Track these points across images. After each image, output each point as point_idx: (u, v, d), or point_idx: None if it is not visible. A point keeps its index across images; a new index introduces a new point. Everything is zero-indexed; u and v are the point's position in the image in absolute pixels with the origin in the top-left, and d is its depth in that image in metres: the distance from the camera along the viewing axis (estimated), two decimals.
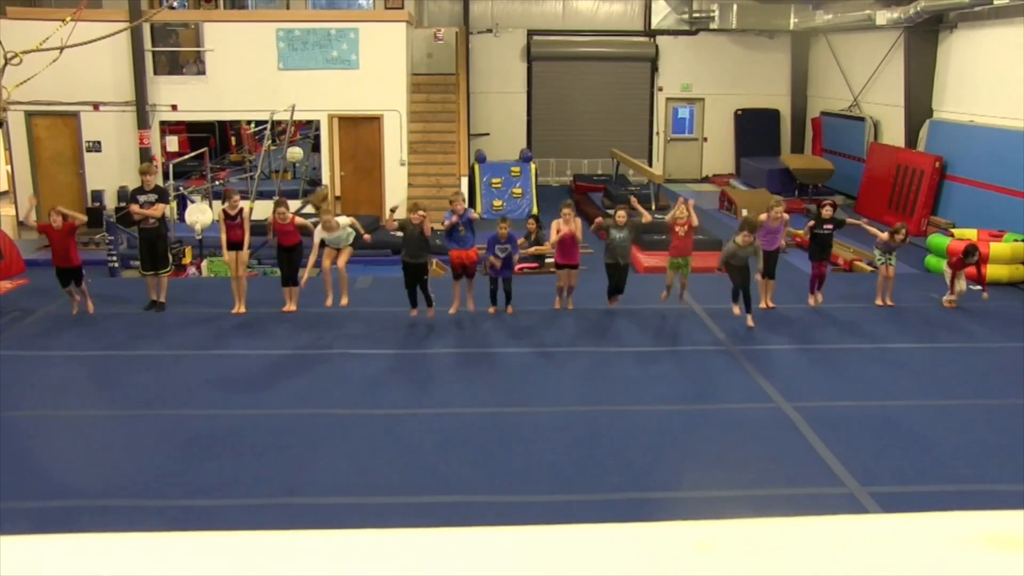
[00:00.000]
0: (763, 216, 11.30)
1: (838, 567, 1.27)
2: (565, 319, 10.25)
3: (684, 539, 1.31)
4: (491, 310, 11.07)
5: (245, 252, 11.40)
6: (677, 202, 11.10)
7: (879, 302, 11.76)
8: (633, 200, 11.37)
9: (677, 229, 10.87)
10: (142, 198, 11.24)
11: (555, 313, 11.05)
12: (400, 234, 10.54)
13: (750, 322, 10.59)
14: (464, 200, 10.40)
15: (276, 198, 11.21)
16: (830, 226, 11.48)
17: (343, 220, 10.71)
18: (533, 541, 1.33)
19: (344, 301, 10.58)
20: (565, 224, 10.85)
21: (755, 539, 1.32)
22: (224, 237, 11.27)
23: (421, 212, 10.36)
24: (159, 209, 11.29)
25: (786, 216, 11.48)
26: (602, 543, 1.32)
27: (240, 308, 11.34)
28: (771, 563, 1.27)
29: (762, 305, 11.34)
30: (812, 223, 11.62)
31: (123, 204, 16.35)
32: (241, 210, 11.19)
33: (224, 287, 11.90)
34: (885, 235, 11.64)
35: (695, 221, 10.96)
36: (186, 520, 6.24)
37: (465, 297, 10.93)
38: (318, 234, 10.54)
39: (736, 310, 10.72)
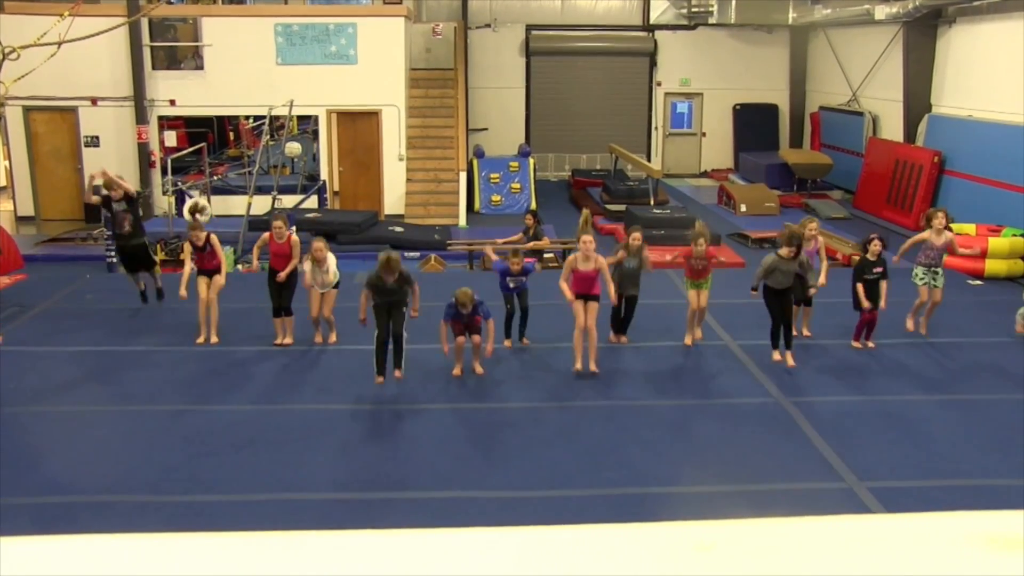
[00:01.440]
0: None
1: (838, 567, 1.27)
2: (565, 316, 10.19)
3: (684, 539, 1.31)
4: (507, 343, 9.89)
5: (221, 277, 10.09)
6: (697, 228, 9.66)
7: (910, 326, 10.25)
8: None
9: (694, 263, 9.58)
10: (115, 206, 11.00)
11: (554, 310, 10.78)
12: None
13: (791, 361, 9.04)
14: (472, 300, 8.73)
15: (274, 213, 10.37)
16: (879, 268, 9.63)
17: (330, 259, 9.59)
18: (532, 542, 1.32)
19: (332, 339, 9.90)
20: (584, 261, 9.05)
21: (755, 539, 1.32)
22: (196, 267, 10.03)
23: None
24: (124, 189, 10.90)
25: (821, 239, 10.02)
26: (602, 544, 1.32)
27: (208, 338, 9.94)
28: (771, 564, 1.27)
29: (794, 333, 9.58)
30: (864, 275, 9.72)
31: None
32: (208, 237, 9.96)
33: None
34: (926, 234, 9.99)
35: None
36: (185, 516, 6.25)
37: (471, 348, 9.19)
38: (303, 261, 9.60)
39: (776, 355, 9.05)
